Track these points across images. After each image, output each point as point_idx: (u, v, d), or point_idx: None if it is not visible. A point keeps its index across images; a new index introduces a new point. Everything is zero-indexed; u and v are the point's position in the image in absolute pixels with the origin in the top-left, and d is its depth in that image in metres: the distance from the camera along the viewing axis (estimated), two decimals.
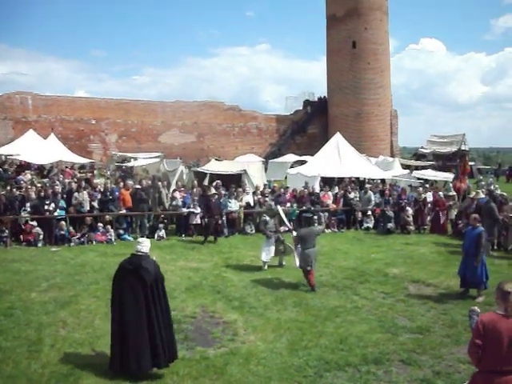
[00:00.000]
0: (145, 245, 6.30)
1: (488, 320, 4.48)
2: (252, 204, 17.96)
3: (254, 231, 17.02)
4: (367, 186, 20.58)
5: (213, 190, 17.01)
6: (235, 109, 46.79)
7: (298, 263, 10.58)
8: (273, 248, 12.13)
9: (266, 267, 11.99)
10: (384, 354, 6.88)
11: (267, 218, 12.53)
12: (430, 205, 18.27)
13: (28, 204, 15.64)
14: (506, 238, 14.68)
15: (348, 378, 6.21)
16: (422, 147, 46.57)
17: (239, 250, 14.22)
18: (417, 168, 31.43)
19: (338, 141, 23.80)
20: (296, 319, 8.33)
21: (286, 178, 25.29)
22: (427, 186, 21.01)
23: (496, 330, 4.40)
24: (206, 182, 20.91)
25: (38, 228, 14.81)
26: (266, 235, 12.26)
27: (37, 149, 28.79)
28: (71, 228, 15.42)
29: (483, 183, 23.36)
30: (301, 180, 20.90)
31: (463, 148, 41.33)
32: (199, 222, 16.55)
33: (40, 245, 14.60)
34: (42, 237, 14.76)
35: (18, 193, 16.59)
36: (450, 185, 20.79)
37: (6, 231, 14.74)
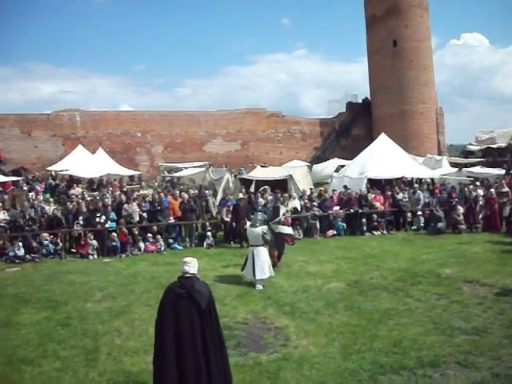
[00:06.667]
0: (193, 265, 5.47)
1: None
2: (299, 209, 17.91)
3: (301, 236, 16.96)
4: (415, 185, 20.24)
5: (240, 195, 17.25)
6: (278, 115, 46.80)
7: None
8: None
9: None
10: (440, 357, 6.71)
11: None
12: (481, 202, 17.78)
13: (81, 217, 16.09)
14: None
15: (404, 382, 6.08)
16: (470, 144, 45.55)
17: (287, 255, 14.13)
18: (466, 165, 30.74)
19: (383, 141, 23.55)
20: (348, 323, 8.23)
21: (331, 180, 25.10)
22: (477, 183, 20.49)
23: None
24: (252, 189, 21.02)
25: (94, 241, 15.18)
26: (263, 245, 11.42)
27: (86, 163, 29.81)
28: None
29: None
30: (346, 182, 20.76)
31: None
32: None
33: (94, 257, 14.98)
34: (95, 248, 15.12)
35: (71, 206, 17.09)
36: (503, 181, 20.21)
37: (61, 244, 15.22)
